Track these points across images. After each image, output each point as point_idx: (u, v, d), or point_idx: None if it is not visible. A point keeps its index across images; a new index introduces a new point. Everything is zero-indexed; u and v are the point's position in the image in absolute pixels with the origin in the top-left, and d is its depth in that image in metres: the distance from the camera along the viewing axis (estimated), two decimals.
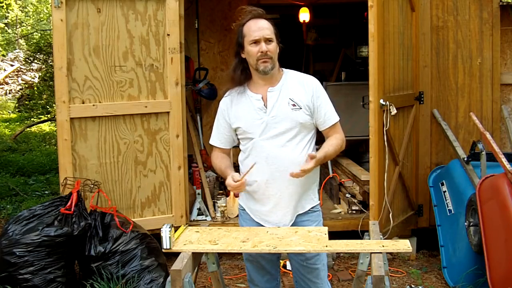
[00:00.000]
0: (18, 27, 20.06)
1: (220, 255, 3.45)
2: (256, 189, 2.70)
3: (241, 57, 2.67)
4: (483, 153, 3.96)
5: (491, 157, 3.84)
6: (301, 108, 2.65)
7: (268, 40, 2.59)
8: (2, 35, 18.71)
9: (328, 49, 7.77)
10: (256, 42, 2.59)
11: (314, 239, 2.45)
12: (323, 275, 2.80)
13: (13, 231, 3.59)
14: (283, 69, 2.75)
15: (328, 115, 2.72)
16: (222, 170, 2.76)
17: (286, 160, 2.63)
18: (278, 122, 2.64)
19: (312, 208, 2.77)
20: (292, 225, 2.72)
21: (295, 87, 2.68)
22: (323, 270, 2.80)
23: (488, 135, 3.87)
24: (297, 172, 2.52)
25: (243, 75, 2.70)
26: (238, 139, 2.79)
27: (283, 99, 2.65)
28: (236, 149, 2.86)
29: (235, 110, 2.72)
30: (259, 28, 2.59)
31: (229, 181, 2.60)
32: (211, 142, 2.84)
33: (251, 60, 2.63)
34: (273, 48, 2.60)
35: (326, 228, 2.61)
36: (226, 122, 2.76)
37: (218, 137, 2.81)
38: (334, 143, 2.71)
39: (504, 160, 3.61)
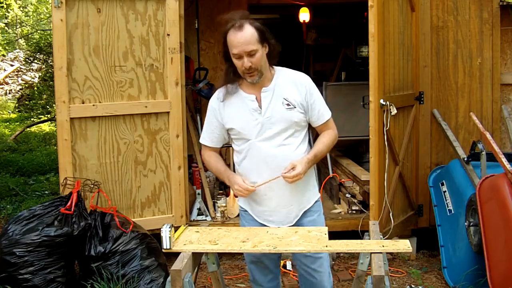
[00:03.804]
0: (18, 27, 20.05)
1: (220, 255, 3.45)
2: (257, 190, 2.68)
3: (231, 61, 2.62)
4: (483, 153, 3.96)
5: (491, 157, 3.83)
6: (295, 107, 2.65)
7: (250, 54, 2.53)
8: (2, 35, 18.70)
9: (328, 49, 7.78)
10: (239, 57, 2.55)
11: (314, 239, 2.45)
12: (326, 264, 2.82)
13: (13, 231, 3.59)
14: (274, 67, 2.72)
15: (322, 112, 2.74)
16: (221, 171, 2.76)
17: (285, 159, 2.63)
18: (274, 122, 2.64)
19: (316, 200, 2.81)
20: (297, 221, 2.73)
21: (288, 86, 2.67)
22: (326, 259, 2.82)
23: (488, 135, 3.87)
24: (289, 177, 2.57)
25: (236, 76, 2.67)
26: (230, 138, 2.78)
27: (277, 99, 2.65)
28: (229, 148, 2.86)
29: (228, 111, 2.70)
30: (239, 43, 2.51)
31: (241, 184, 2.61)
32: (202, 141, 2.83)
33: (238, 70, 2.61)
34: (257, 60, 2.54)
35: (326, 228, 2.61)
36: (218, 122, 2.73)
37: (209, 137, 2.79)
38: (326, 140, 2.75)
39: (504, 160, 3.61)
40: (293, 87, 2.68)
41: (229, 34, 2.55)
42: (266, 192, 2.68)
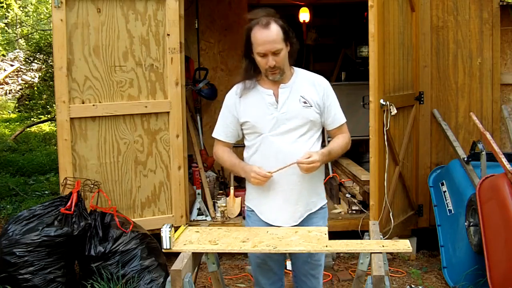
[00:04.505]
0: (18, 27, 20.05)
1: (220, 255, 3.45)
2: (266, 185, 2.66)
3: (251, 57, 2.64)
4: (483, 153, 3.96)
5: (491, 157, 3.84)
6: (311, 106, 2.66)
7: (275, 53, 2.54)
8: (2, 35, 18.70)
9: (328, 49, 7.77)
10: (264, 55, 2.56)
11: (314, 239, 2.45)
12: (322, 270, 2.90)
13: (13, 231, 3.59)
14: (294, 67, 2.74)
15: (337, 116, 2.76)
16: (236, 163, 2.74)
17: (297, 156, 2.59)
18: (289, 118, 2.64)
19: (322, 206, 2.80)
20: (301, 221, 2.71)
21: (306, 85, 2.69)
22: (323, 265, 2.89)
23: (488, 135, 3.87)
24: (305, 163, 2.53)
25: (256, 72, 2.68)
26: (243, 134, 2.77)
27: (294, 96, 2.66)
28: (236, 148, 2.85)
29: (244, 104, 2.69)
30: (265, 42, 2.52)
31: (258, 171, 2.58)
32: (216, 135, 2.80)
33: (260, 67, 2.63)
34: (281, 58, 2.57)
35: (326, 228, 2.61)
36: (233, 116, 2.73)
37: (224, 131, 2.77)
38: (341, 141, 2.75)
39: (504, 160, 3.61)
40: (311, 87, 2.69)
41: (255, 31, 2.55)
42: (275, 187, 2.66)
